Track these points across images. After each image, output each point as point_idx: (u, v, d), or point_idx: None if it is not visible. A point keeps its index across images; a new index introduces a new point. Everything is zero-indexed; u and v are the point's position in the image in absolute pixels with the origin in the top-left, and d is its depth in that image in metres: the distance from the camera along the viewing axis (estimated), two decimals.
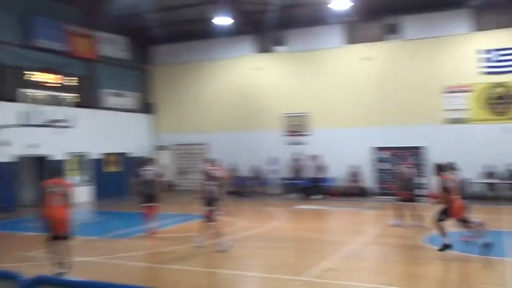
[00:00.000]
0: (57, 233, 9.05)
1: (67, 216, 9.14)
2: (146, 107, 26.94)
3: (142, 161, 14.94)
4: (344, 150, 22.51)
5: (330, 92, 23.32)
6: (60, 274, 8.86)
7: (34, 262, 9.52)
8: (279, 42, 24.48)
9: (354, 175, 22.42)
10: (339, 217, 17.42)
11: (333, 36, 23.39)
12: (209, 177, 12.13)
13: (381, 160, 21.71)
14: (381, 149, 21.79)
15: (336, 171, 22.52)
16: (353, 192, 22.04)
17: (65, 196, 9.12)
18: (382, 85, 22.38)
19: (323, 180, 22.11)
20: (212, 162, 18.62)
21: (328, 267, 9.57)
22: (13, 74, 19.73)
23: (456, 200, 10.13)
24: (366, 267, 9.76)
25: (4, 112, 18.25)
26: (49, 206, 8.98)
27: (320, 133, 23.32)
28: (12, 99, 18.21)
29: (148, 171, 13.79)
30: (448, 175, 10.51)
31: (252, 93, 24.82)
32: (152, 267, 10.33)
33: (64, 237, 9.11)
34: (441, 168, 10.67)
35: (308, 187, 21.84)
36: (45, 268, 9.29)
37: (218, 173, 16.96)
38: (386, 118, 22.17)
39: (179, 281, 9.06)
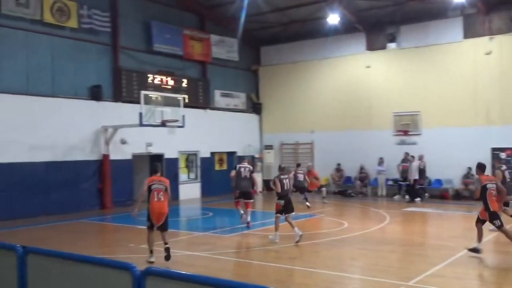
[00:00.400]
0: (157, 225, 9.96)
1: (166, 210, 10.03)
2: (254, 107, 27.45)
3: (241, 159, 15.45)
4: (457, 150, 21.22)
5: (444, 90, 22.00)
6: (151, 263, 9.59)
7: (145, 254, 10.11)
8: (391, 39, 23.48)
9: (468, 177, 21.18)
10: (449, 221, 16.54)
11: (450, 30, 21.90)
12: (283, 178, 12.43)
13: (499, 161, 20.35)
14: (499, 149, 20.40)
15: (448, 172, 21.44)
16: (466, 195, 20.88)
17: (165, 192, 10.03)
18: (504, 81, 20.65)
19: (430, 181, 21.08)
20: (299, 165, 19.53)
21: (434, 273, 9.13)
22: (136, 78, 21.23)
23: (493, 201, 10.13)
24: (478, 275, 9.19)
25: (127, 113, 19.51)
26: (152, 201, 9.91)
27: (431, 133, 22.19)
28: (134, 100, 19.53)
29: (245, 168, 14.19)
30: (487, 175, 10.60)
31: (361, 92, 24.10)
32: (253, 264, 10.50)
33: (163, 229, 9.98)
34: (482, 169, 10.61)
35: (415, 188, 20.87)
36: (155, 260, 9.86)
37: (303, 177, 18.44)
38: (507, 116, 20.53)
39: (281, 279, 9.13)
